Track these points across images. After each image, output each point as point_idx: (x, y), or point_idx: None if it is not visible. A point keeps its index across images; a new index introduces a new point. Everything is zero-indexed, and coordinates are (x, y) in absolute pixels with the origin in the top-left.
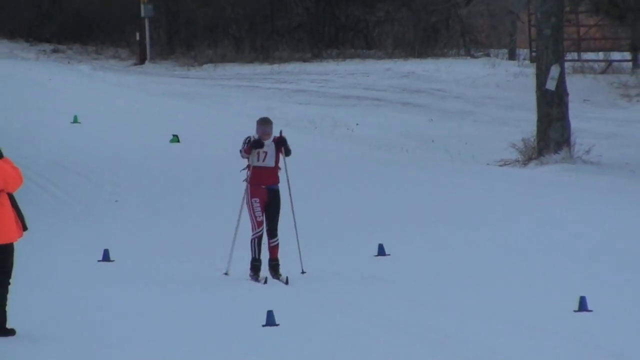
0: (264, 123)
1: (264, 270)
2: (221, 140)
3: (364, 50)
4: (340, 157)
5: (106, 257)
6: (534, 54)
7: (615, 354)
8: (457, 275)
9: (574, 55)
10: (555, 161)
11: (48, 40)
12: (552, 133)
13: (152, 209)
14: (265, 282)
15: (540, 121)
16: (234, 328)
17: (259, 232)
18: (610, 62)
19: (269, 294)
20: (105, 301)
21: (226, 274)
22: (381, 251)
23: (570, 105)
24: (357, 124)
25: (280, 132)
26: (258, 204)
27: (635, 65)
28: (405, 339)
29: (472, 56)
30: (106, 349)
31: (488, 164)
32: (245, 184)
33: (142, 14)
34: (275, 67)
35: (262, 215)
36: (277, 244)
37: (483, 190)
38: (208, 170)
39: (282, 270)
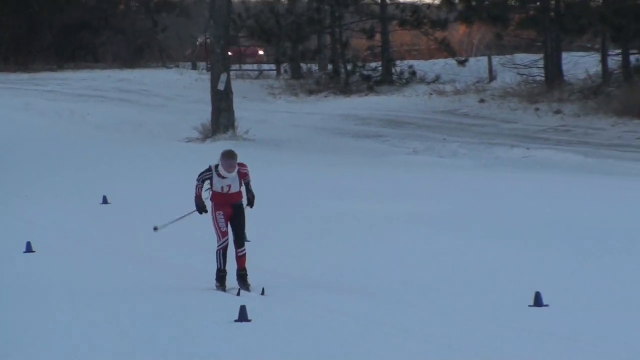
0: (230, 157)
1: (233, 281)
2: None
3: (93, 63)
4: (76, 136)
5: None
6: (209, 65)
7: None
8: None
9: (237, 66)
10: (225, 139)
11: None
12: (222, 119)
13: None
14: (239, 294)
15: (213, 111)
16: None
17: (223, 242)
18: (261, 71)
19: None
20: None
21: (155, 228)
22: (104, 200)
23: (235, 100)
24: (88, 114)
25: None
26: (222, 217)
27: (278, 73)
28: None
29: (167, 67)
30: None
31: (178, 141)
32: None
33: None
34: (32, 75)
35: (226, 226)
36: (244, 253)
37: (172, 158)
38: None
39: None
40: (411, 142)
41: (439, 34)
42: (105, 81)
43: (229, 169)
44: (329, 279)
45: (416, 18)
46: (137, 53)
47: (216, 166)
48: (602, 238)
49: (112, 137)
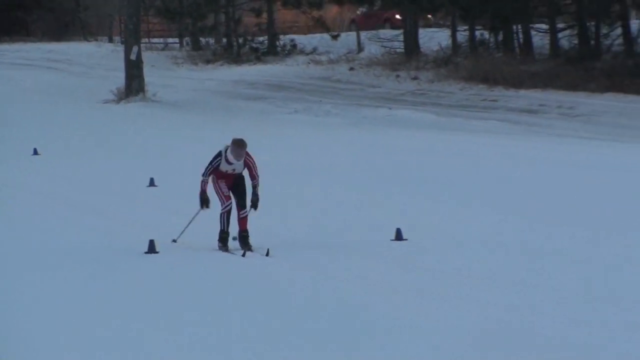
0: (240, 147)
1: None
2: None
3: (25, 37)
4: (11, 98)
5: None
6: (123, 39)
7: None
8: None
9: (147, 39)
10: (136, 101)
11: None
12: (134, 84)
13: None
14: (244, 255)
15: (127, 78)
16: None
17: (227, 205)
18: (167, 44)
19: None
20: None
21: (174, 240)
22: (34, 152)
23: (144, 69)
24: (22, 80)
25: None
26: (224, 184)
27: (181, 46)
28: None
29: (88, 40)
30: None
31: (97, 102)
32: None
33: None
34: None
35: (229, 191)
36: (246, 215)
37: (92, 116)
38: None
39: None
40: (292, 104)
41: (315, 13)
42: (36, 52)
43: (238, 157)
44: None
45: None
46: (63, 29)
47: (226, 151)
48: (452, 183)
49: (41, 99)
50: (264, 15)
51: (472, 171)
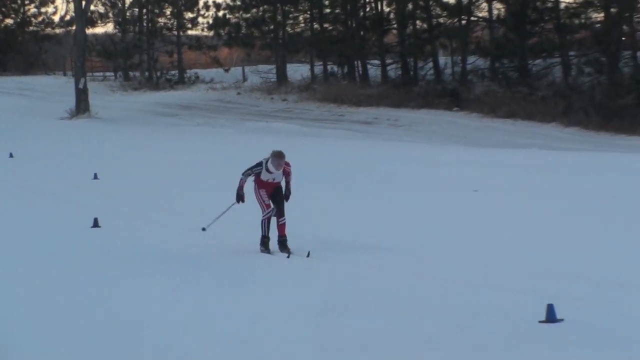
0: (279, 157)
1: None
2: None
3: (2, 72)
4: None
5: None
6: (73, 73)
7: None
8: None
9: (90, 73)
10: (84, 118)
11: None
12: (81, 106)
13: None
14: (288, 257)
15: (77, 101)
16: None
17: (268, 213)
18: (105, 76)
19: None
20: None
21: (204, 229)
22: (10, 155)
23: (89, 94)
24: (1, 103)
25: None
26: (264, 193)
27: (115, 77)
28: None
29: (48, 74)
30: None
31: (55, 119)
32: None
33: None
34: None
35: (269, 200)
36: (284, 222)
37: (52, 129)
38: None
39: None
40: (196, 119)
41: (212, 53)
42: (9, 83)
43: (278, 167)
44: (156, 200)
45: (198, 44)
46: (29, 66)
47: (266, 161)
48: (311, 173)
49: (13, 117)
50: (175, 55)
51: (324, 164)
